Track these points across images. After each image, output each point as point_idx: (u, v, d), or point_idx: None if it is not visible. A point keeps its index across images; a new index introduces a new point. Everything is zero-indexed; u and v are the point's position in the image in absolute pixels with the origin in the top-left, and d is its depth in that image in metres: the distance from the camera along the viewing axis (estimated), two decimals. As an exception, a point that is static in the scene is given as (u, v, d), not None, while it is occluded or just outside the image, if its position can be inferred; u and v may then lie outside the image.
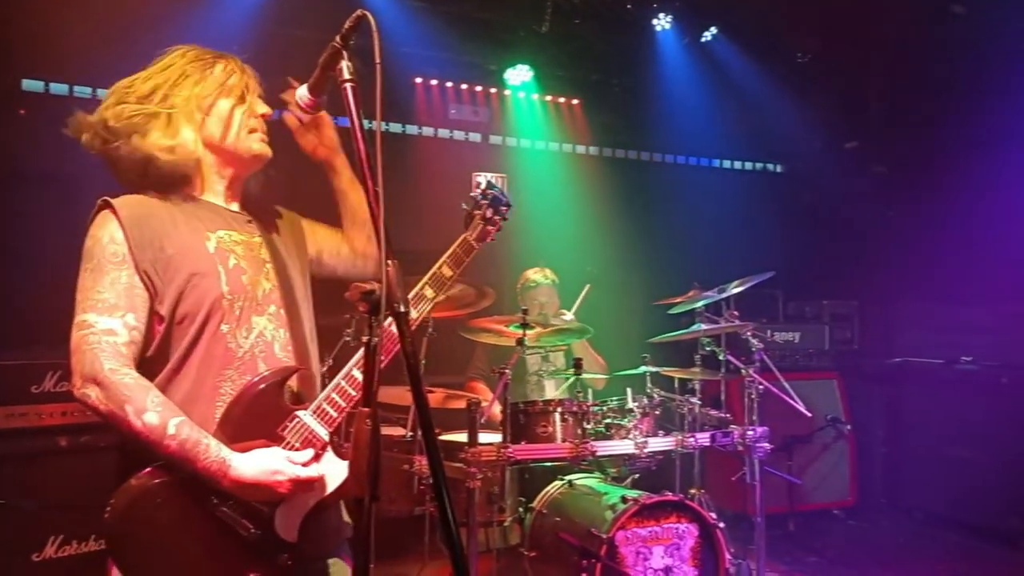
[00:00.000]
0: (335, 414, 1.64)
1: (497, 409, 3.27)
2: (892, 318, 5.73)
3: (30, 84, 4.08)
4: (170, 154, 1.65)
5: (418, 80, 5.21)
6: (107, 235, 1.59)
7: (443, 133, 5.42)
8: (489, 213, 2.00)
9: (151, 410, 1.49)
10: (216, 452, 1.52)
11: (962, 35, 4.87)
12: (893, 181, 5.84)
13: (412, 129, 5.26)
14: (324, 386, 1.69)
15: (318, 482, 1.60)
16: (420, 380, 1.36)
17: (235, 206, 1.79)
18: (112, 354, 1.52)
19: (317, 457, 1.62)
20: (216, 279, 1.63)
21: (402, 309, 1.32)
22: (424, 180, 5.05)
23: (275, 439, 1.60)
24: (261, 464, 1.54)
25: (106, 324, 1.53)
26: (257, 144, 1.76)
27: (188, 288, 1.60)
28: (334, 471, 1.64)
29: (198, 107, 1.69)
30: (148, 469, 1.54)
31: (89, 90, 4.21)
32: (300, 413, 1.63)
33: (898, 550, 4.68)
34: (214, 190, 1.76)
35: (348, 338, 3.63)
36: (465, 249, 1.94)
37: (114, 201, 1.62)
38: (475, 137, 5.56)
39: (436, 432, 1.35)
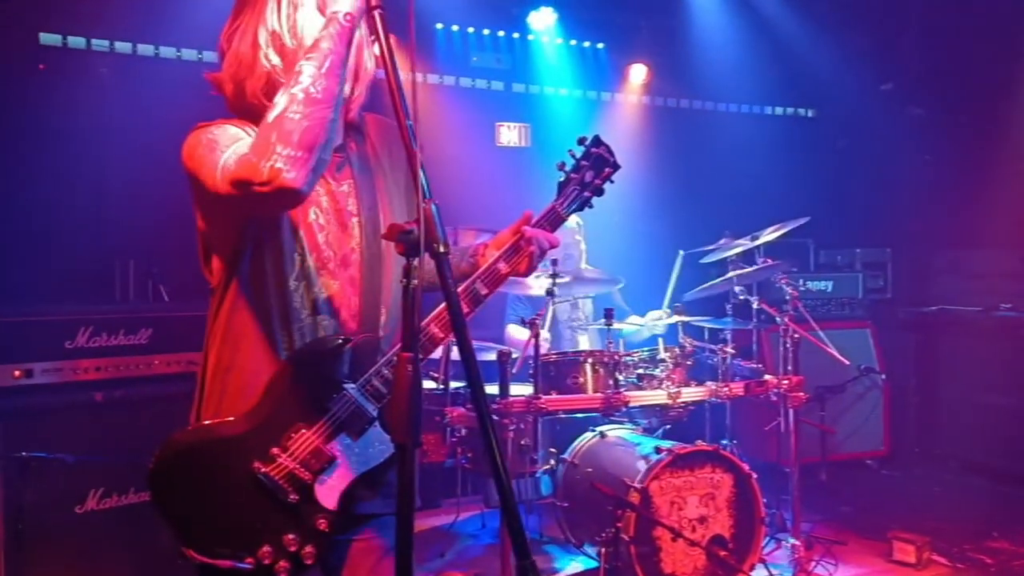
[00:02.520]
0: (385, 390, 1.55)
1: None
2: (927, 265, 5.59)
3: (48, 38, 4.02)
4: (238, 89, 1.55)
5: (439, 26, 5.07)
6: (203, 133, 1.51)
7: (465, 81, 5.30)
8: (589, 176, 1.75)
9: (278, 99, 1.40)
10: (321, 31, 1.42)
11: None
12: (930, 123, 5.63)
13: (433, 78, 5.14)
14: None
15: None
16: (464, 323, 1.31)
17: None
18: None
19: (363, 432, 1.56)
20: (291, 231, 1.55)
21: (442, 250, 1.27)
22: (446, 131, 4.96)
23: (322, 411, 1.55)
24: None
25: (235, 150, 1.43)
26: None
27: (266, 238, 1.53)
28: (380, 446, 1.59)
29: (256, 40, 1.54)
30: (193, 426, 1.56)
31: (107, 43, 4.15)
32: (348, 387, 1.56)
33: (933, 499, 4.64)
34: None
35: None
36: (552, 220, 1.72)
37: (202, 124, 1.55)
38: (498, 85, 5.43)
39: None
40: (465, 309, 1.61)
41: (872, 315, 5.34)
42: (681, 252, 4.03)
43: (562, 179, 1.76)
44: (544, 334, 3.47)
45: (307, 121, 1.36)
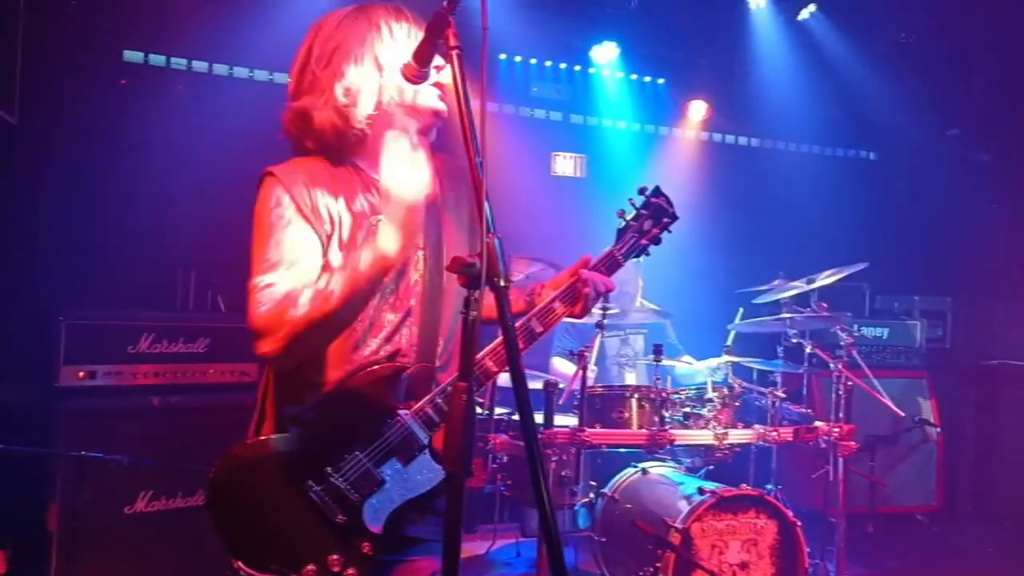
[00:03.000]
0: (437, 419, 1.60)
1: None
2: (989, 317, 5.40)
3: (130, 55, 4.21)
4: (340, 120, 1.62)
5: (502, 56, 5.16)
6: (273, 199, 1.59)
7: (524, 111, 5.37)
8: (648, 225, 1.81)
9: (304, 300, 1.51)
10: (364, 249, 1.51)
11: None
12: (997, 171, 5.48)
13: (492, 106, 5.21)
14: None
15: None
16: (518, 355, 1.33)
17: None
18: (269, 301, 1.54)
19: (413, 459, 1.60)
20: None
21: (502, 283, 1.30)
22: (502, 158, 5.01)
23: (376, 435, 1.59)
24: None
25: (286, 282, 1.54)
26: (438, 102, 1.69)
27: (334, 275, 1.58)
28: (428, 474, 1.62)
29: (368, 72, 1.63)
30: (252, 440, 1.61)
31: (185, 61, 4.34)
32: (402, 413, 1.60)
33: (985, 559, 4.45)
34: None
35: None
36: (609, 264, 1.79)
37: (277, 171, 1.62)
38: (556, 115, 5.48)
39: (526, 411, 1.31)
40: (519, 345, 1.63)
41: (929, 365, 5.17)
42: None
43: (621, 226, 1.82)
44: (591, 367, 3.47)
45: (317, 332, 1.52)
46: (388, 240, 1.51)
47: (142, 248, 3.88)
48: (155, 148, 4.01)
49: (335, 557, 1.55)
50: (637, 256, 1.82)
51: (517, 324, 1.65)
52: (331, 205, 1.62)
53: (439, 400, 1.60)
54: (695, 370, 3.87)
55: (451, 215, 1.77)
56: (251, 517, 1.57)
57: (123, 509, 3.02)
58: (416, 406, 1.61)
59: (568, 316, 1.73)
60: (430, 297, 1.68)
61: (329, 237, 1.60)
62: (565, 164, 5.47)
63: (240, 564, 1.55)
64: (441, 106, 1.70)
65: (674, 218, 1.84)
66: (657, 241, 1.84)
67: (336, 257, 1.59)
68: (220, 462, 1.59)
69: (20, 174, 3.62)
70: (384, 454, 1.59)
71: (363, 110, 1.63)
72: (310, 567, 1.54)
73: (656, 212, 1.82)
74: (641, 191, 1.84)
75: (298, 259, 1.56)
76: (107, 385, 3.07)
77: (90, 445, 2.87)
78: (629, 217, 1.82)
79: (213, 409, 3.16)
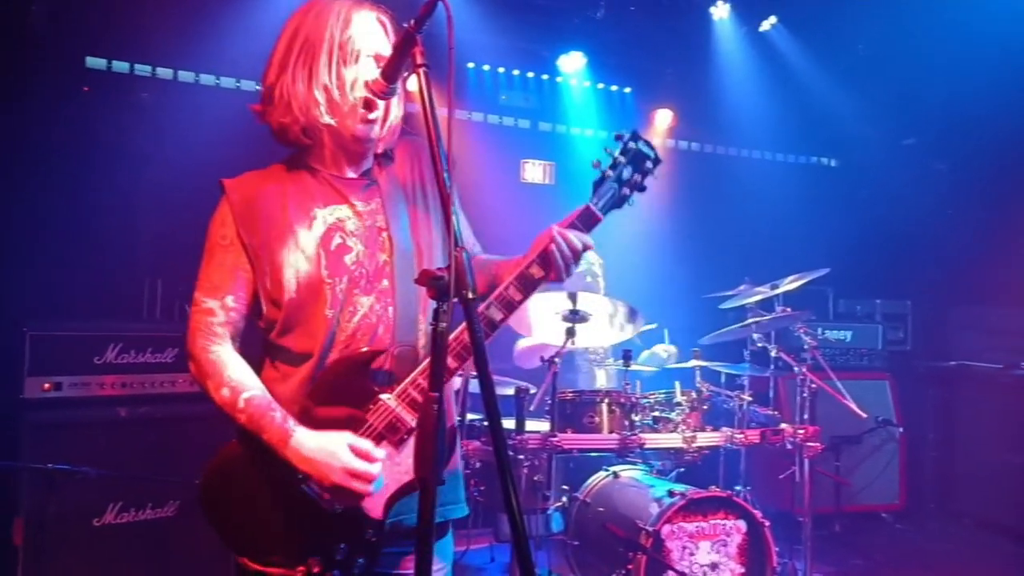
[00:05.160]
0: (421, 399, 1.50)
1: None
2: (947, 320, 5.57)
3: (93, 62, 4.17)
4: (291, 123, 1.63)
5: (470, 65, 5.20)
6: (219, 218, 1.66)
7: (492, 119, 5.41)
8: (627, 173, 1.62)
9: (225, 385, 1.58)
10: (281, 423, 1.54)
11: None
12: (953, 179, 5.65)
13: (462, 114, 5.25)
14: None
15: (377, 477, 1.52)
16: (487, 365, 1.36)
17: (360, 168, 1.70)
18: (206, 333, 1.61)
19: (403, 442, 1.57)
20: (316, 264, 1.60)
21: (470, 296, 1.32)
22: (472, 165, 5.04)
23: (359, 420, 1.57)
24: (321, 443, 1.52)
25: (207, 304, 1.62)
26: (360, 126, 1.62)
27: (289, 274, 1.59)
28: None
29: (313, 74, 1.60)
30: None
31: (149, 68, 4.30)
32: (384, 396, 1.57)
33: (947, 556, 4.58)
34: (335, 160, 1.68)
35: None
36: (585, 220, 1.61)
37: (228, 184, 1.66)
38: (524, 123, 5.53)
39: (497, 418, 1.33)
40: (500, 316, 1.57)
41: (891, 367, 5.31)
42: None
43: (597, 177, 1.63)
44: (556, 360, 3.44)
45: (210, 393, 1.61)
46: (300, 462, 1.52)
47: (108, 257, 3.83)
48: (120, 156, 3.97)
49: (340, 547, 1.54)
50: (618, 206, 1.64)
51: (495, 294, 1.58)
52: (276, 214, 1.62)
53: (422, 381, 1.53)
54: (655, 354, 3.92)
55: (417, 195, 1.74)
56: (245, 513, 1.57)
57: (92, 521, 2.98)
58: (399, 388, 1.56)
59: (547, 280, 1.58)
60: (402, 274, 1.63)
61: (276, 242, 1.61)
62: (534, 171, 5.52)
63: (245, 561, 1.57)
64: (362, 132, 1.63)
65: (657, 161, 1.65)
66: (641, 188, 1.64)
67: (272, 287, 1.61)
68: (213, 458, 1.60)
69: (-20, 183, 3.56)
70: (373, 440, 1.55)
71: (324, 118, 1.61)
72: (315, 558, 1.53)
73: (635, 158, 1.63)
74: (618, 137, 1.65)
75: (235, 289, 1.62)
76: (73, 396, 3.03)
77: (56, 457, 2.80)
78: (606, 166, 1.63)
79: (181, 419, 3.14)
